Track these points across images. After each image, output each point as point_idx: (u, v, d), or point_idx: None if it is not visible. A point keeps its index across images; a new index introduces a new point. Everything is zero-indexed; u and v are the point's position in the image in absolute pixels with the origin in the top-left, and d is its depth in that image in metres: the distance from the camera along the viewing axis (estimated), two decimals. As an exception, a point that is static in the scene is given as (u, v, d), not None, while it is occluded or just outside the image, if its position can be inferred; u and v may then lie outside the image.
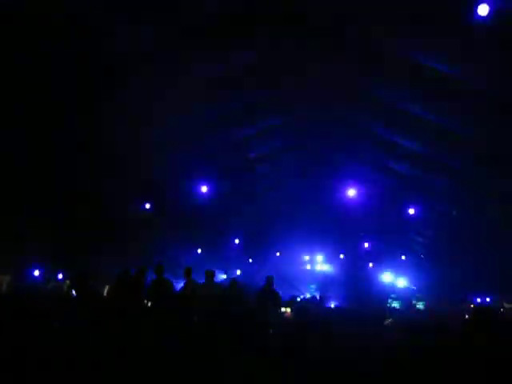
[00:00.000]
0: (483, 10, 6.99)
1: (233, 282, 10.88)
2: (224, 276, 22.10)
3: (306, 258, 28.05)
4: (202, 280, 11.09)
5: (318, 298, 16.29)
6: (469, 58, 8.14)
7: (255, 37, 9.04)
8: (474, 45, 7.68)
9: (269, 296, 10.60)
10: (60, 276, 17.70)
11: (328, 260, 27.56)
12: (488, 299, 20.26)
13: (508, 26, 7.07)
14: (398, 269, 25.13)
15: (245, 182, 16.17)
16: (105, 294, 13.39)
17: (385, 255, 24.70)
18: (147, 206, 15.03)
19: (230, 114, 12.01)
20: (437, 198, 14.59)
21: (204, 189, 14.47)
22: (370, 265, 26.23)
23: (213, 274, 10.98)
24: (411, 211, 15.43)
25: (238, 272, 24.83)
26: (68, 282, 17.90)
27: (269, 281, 10.82)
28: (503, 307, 18.99)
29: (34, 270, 16.16)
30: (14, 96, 8.50)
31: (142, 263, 10.96)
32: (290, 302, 16.15)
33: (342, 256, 26.35)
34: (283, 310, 13.35)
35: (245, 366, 5.27)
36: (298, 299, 20.97)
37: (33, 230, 12.75)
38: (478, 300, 20.06)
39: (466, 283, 19.27)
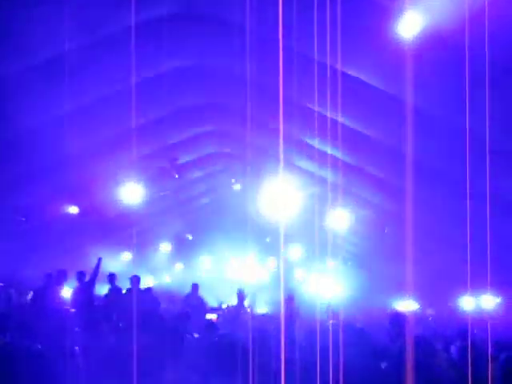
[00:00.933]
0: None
1: (147, 289, 10.87)
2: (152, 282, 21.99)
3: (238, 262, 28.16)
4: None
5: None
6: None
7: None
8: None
9: (194, 302, 10.62)
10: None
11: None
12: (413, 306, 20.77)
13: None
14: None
15: (175, 186, 16.06)
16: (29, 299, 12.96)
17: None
18: (72, 209, 14.61)
19: (159, 118, 11.92)
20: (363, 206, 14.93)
21: (132, 192, 14.20)
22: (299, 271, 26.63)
23: (138, 280, 10.91)
24: (338, 219, 15.52)
25: (167, 277, 24.68)
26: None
27: (194, 287, 10.85)
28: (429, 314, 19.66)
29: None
30: None
31: (66, 268, 10.69)
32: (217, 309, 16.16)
33: (271, 262, 26.62)
34: (209, 316, 13.32)
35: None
36: (224, 306, 20.92)
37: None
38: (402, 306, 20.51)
39: (390, 288, 19.82)
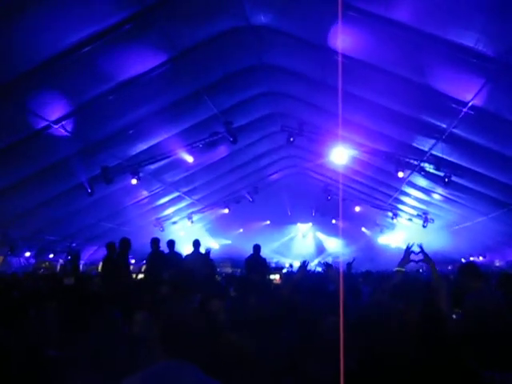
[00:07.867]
0: None
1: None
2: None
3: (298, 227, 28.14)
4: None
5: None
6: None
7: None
8: None
9: (257, 263, 10.62)
10: (51, 255, 17.62)
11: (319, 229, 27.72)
12: (481, 258, 20.30)
13: None
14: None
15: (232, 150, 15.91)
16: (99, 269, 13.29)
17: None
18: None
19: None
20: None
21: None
22: (363, 229, 26.09)
23: (199, 243, 11.03)
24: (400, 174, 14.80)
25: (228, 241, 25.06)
26: (61, 261, 17.89)
27: (256, 249, 10.83)
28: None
29: (24, 251, 16.04)
30: None
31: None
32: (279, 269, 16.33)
33: (334, 221, 26.27)
34: (272, 277, 13.43)
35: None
36: (287, 265, 21.15)
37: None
38: (472, 259, 20.08)
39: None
